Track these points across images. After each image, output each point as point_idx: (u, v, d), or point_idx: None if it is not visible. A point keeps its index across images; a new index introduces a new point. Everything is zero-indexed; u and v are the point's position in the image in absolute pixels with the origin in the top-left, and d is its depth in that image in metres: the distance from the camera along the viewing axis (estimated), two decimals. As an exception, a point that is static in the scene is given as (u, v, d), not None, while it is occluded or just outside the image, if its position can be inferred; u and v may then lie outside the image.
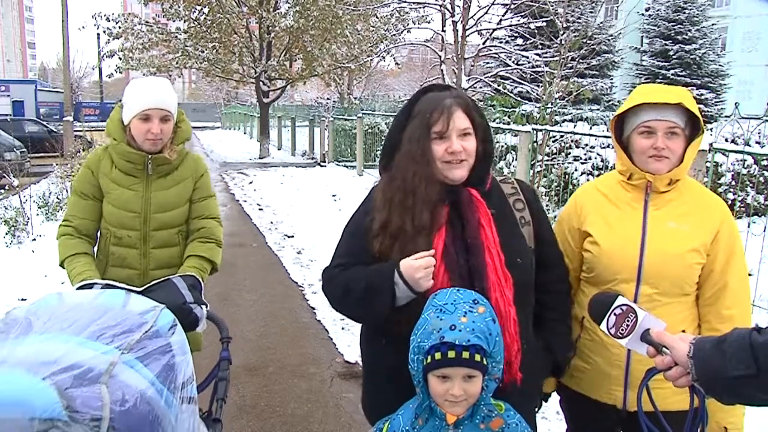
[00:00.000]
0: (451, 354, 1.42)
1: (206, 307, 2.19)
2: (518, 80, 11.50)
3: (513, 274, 1.64)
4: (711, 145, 4.99)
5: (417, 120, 1.68)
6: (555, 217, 4.32)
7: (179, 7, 18.57)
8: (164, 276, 2.27)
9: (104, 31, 18.84)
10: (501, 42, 14.63)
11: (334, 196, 12.05)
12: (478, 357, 1.43)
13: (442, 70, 11.29)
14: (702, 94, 19.82)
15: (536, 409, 1.90)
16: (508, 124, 8.97)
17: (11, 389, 1.18)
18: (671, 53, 22.09)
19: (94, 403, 1.20)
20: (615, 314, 1.52)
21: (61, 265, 2.47)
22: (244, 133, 33.83)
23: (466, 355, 1.42)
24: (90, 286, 2.14)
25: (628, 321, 1.50)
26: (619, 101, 19.08)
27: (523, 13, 11.75)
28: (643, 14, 22.94)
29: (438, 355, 1.43)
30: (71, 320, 1.40)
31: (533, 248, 1.79)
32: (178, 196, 2.56)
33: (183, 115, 2.61)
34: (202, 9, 18.85)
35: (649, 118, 1.84)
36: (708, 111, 18.43)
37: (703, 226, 1.85)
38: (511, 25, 12.77)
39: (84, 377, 1.24)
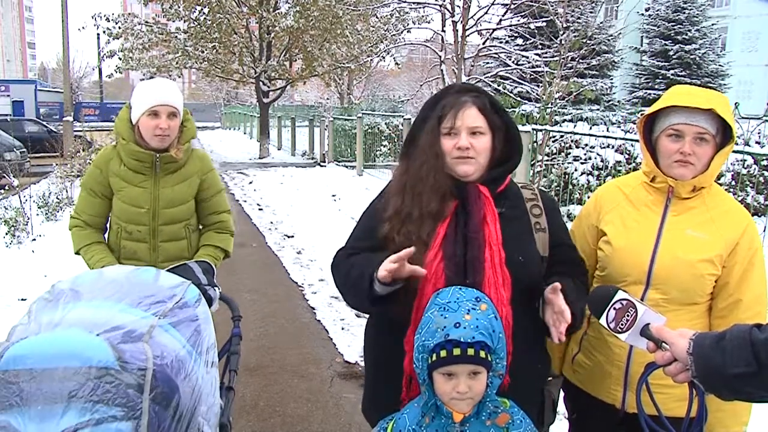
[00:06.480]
0: (457, 351, 1.42)
1: (219, 289, 2.44)
2: (518, 80, 11.50)
3: (513, 272, 1.62)
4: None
5: (434, 114, 1.73)
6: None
7: (179, 7, 18.56)
8: None
9: (104, 32, 18.83)
10: (501, 42, 14.64)
11: (334, 196, 12.04)
12: (482, 353, 1.43)
13: (442, 70, 11.28)
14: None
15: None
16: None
17: (71, 343, 1.38)
18: (671, 53, 22.14)
19: (140, 356, 1.40)
20: (615, 308, 1.50)
21: (77, 252, 2.69)
22: (244, 133, 33.79)
23: (471, 351, 1.42)
24: None
25: (628, 315, 1.48)
26: (619, 101, 19.09)
27: (523, 13, 11.75)
28: (643, 14, 22.98)
29: (443, 353, 1.43)
30: (112, 291, 1.63)
31: (546, 257, 1.76)
32: (185, 193, 2.71)
33: (189, 114, 2.73)
34: (202, 9, 18.82)
35: (678, 121, 1.77)
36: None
37: (722, 237, 1.79)
38: (511, 25, 12.77)
39: (130, 336, 1.45)
